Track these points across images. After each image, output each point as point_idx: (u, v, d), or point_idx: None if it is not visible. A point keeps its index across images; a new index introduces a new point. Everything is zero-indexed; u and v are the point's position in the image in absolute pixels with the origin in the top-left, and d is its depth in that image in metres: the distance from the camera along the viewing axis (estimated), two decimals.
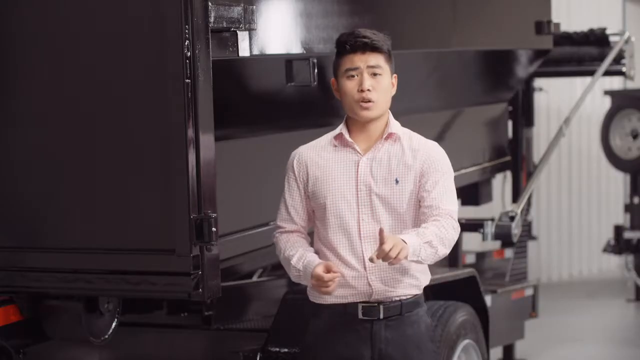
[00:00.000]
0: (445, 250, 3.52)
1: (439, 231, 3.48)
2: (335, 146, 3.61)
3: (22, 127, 3.77)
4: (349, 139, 3.58)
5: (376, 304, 3.56)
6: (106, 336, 4.03)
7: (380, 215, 3.53)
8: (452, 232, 3.53)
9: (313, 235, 3.70)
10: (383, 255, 3.34)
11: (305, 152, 3.64)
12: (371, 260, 3.39)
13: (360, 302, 3.56)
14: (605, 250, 10.03)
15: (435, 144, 3.66)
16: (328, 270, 3.46)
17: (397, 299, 3.58)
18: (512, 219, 6.03)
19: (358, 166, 3.56)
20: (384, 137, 3.58)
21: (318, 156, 3.61)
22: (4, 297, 3.94)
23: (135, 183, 3.60)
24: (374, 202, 3.54)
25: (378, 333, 3.56)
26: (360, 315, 3.57)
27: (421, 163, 3.56)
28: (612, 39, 7.60)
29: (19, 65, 3.76)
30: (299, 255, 3.58)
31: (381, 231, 3.36)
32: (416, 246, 3.42)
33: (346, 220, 3.54)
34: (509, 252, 7.03)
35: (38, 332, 4.02)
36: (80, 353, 4.71)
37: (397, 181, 3.54)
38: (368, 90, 3.51)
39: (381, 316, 3.56)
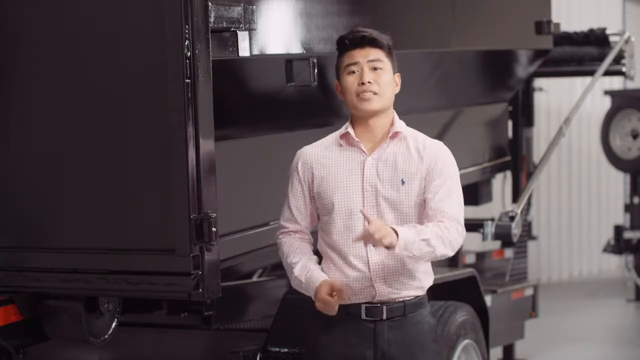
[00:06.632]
0: (445, 250, 3.50)
1: (440, 231, 3.47)
2: (341, 145, 3.59)
3: (22, 127, 3.77)
4: (355, 138, 3.57)
5: (379, 305, 3.55)
6: (106, 336, 4.03)
7: (386, 216, 3.52)
8: (456, 234, 3.51)
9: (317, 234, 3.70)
10: (366, 236, 3.35)
11: (310, 153, 3.63)
12: (354, 240, 3.43)
13: (363, 303, 3.56)
14: (605, 250, 10.03)
15: (441, 144, 3.64)
16: (332, 290, 3.46)
17: (401, 300, 3.57)
18: (512, 219, 6.02)
19: (364, 167, 3.55)
20: (390, 136, 3.58)
21: (323, 156, 3.60)
22: (4, 297, 3.94)
23: (135, 183, 3.60)
24: (380, 204, 3.53)
25: (381, 334, 3.56)
26: (363, 316, 3.56)
27: (427, 163, 3.56)
28: (612, 39, 7.60)
29: (19, 66, 3.76)
30: (301, 265, 3.56)
31: (363, 212, 3.40)
32: (409, 240, 3.40)
33: (352, 220, 3.53)
34: (509, 252, 7.03)
35: (38, 332, 4.02)
36: (80, 353, 4.72)
37: (403, 182, 3.53)
38: (369, 82, 3.51)
39: (384, 317, 3.55)
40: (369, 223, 3.36)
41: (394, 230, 3.38)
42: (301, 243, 3.64)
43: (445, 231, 3.48)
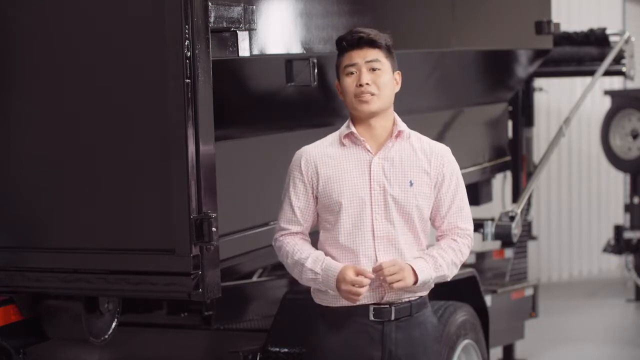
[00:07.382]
0: (455, 272, 3.64)
1: (454, 257, 3.59)
2: (344, 145, 3.59)
3: (22, 127, 3.77)
4: (361, 138, 3.56)
5: (387, 306, 3.55)
6: (106, 336, 4.03)
7: (393, 215, 3.52)
8: (467, 251, 3.64)
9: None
10: (378, 270, 3.43)
11: (313, 152, 3.61)
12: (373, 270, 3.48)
13: (371, 304, 3.55)
14: (605, 250, 10.03)
15: (446, 148, 3.67)
16: (358, 273, 3.45)
17: (407, 300, 3.58)
18: (512, 219, 6.02)
19: (371, 166, 3.55)
20: (394, 135, 3.57)
21: (327, 155, 3.59)
22: (4, 297, 3.94)
23: (135, 183, 3.59)
24: (389, 203, 3.52)
25: (389, 334, 3.55)
26: (371, 317, 3.55)
27: (437, 170, 3.59)
28: (612, 39, 7.61)
29: (19, 66, 3.76)
30: (313, 257, 3.54)
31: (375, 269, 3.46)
32: (427, 279, 3.52)
33: (360, 220, 3.52)
34: (509, 252, 7.03)
35: (38, 332, 4.02)
36: (80, 353, 4.72)
37: (411, 183, 3.54)
38: (367, 84, 3.51)
39: (392, 317, 3.55)
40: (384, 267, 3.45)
41: (413, 268, 3.47)
42: (305, 241, 3.63)
43: (459, 254, 3.61)
